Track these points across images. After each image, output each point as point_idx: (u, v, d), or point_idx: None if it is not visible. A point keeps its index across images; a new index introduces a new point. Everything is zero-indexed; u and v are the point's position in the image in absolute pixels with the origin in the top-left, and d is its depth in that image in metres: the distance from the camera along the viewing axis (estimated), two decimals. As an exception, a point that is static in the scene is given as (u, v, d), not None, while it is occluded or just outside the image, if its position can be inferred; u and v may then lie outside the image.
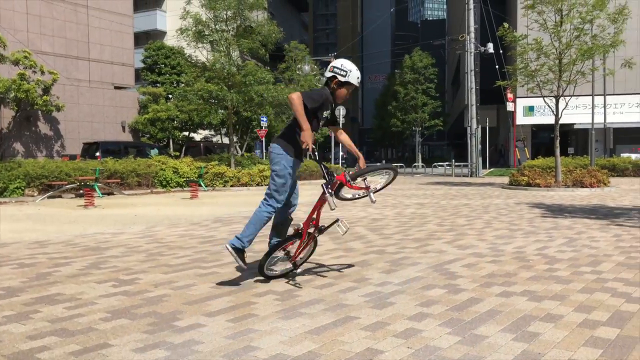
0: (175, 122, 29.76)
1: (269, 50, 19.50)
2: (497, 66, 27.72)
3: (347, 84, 4.37)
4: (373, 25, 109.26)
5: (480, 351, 2.85)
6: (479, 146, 28.12)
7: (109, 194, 14.91)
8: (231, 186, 17.42)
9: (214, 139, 35.93)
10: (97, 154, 19.86)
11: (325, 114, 4.43)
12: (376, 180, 4.67)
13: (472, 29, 28.33)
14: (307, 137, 4.08)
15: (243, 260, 4.18)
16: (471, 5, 28.14)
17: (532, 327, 3.25)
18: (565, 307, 3.67)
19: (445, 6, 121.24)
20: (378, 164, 4.79)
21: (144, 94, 30.45)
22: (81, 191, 13.70)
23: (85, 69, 26.82)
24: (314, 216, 4.55)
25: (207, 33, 18.29)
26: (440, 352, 2.85)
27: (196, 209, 11.12)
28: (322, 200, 4.48)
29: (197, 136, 35.17)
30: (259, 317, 3.47)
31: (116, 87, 28.44)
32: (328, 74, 4.41)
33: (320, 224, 4.62)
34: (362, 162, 4.55)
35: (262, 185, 17.91)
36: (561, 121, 16.40)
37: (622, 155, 27.09)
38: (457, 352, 2.85)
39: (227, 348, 2.91)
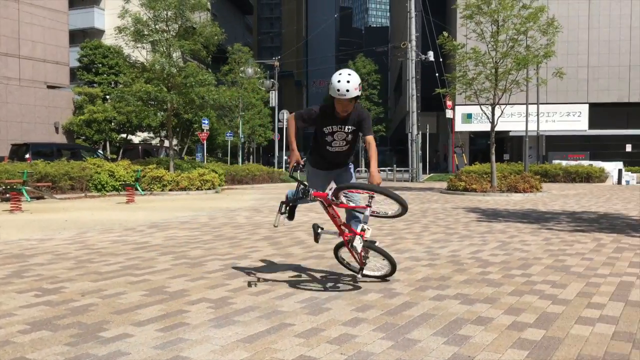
0: (112, 123, 28.86)
1: (211, 52, 19.20)
2: (437, 74, 28.44)
3: (332, 97, 4.22)
4: (317, 29, 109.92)
5: (412, 355, 2.86)
6: (420, 152, 28.73)
7: (39, 198, 14.23)
8: (170, 190, 17.01)
9: (153, 142, 35.07)
10: (27, 155, 18.93)
11: (347, 128, 4.33)
12: (384, 207, 4.42)
13: (413, 37, 28.98)
14: (291, 156, 4.37)
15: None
16: (413, 14, 28.78)
17: (463, 330, 3.30)
18: (495, 309, 3.75)
19: (388, 14, 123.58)
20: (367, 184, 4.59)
21: (79, 94, 29.37)
22: (7, 195, 13.01)
23: (15, 67, 25.59)
24: (339, 222, 4.39)
25: (146, 33, 17.82)
26: (373, 357, 2.84)
27: (132, 213, 10.78)
28: (331, 209, 4.36)
29: (136, 138, 34.22)
30: (191, 326, 3.36)
31: (49, 87, 27.28)
32: (360, 93, 4.32)
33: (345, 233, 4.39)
34: (372, 179, 4.20)
35: (201, 190, 17.59)
36: (497, 128, 16.97)
37: (553, 161, 28.33)
38: (390, 356, 2.85)
39: (155, 358, 2.80)
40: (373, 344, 3.04)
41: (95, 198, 15.27)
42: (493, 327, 3.35)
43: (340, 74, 4.14)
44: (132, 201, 13.43)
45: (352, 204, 4.37)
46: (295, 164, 4.35)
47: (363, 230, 4.18)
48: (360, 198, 4.40)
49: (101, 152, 21.18)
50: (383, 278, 4.58)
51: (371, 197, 4.18)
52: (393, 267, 4.46)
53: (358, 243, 4.13)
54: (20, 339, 3.09)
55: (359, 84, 4.15)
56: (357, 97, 4.20)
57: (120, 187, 16.33)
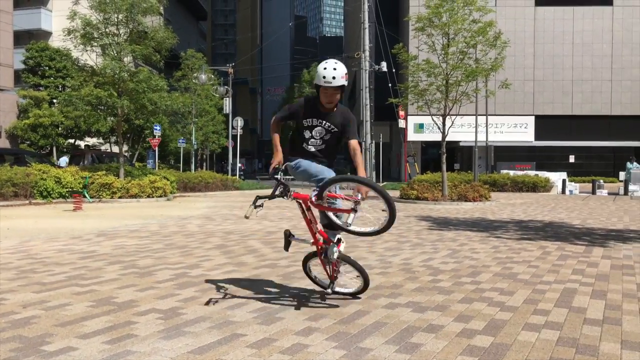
0: (59, 128, 27.93)
1: (163, 57, 18.88)
2: (390, 84, 28.89)
3: (317, 86, 4.02)
4: (272, 37, 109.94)
5: (365, 364, 2.87)
6: (373, 161, 29.05)
7: (-21, 205, 13.59)
8: (119, 198, 16.56)
9: (103, 148, 34.13)
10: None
11: (328, 125, 4.08)
12: (367, 219, 4.16)
13: (367, 47, 29.36)
14: (274, 156, 4.12)
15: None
16: (366, 25, 29.17)
17: (415, 338, 3.34)
18: (446, 317, 3.81)
19: (342, 24, 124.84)
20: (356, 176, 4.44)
21: (24, 97, 28.31)
22: (-55, 202, 12.38)
23: (-44, 68, 24.45)
24: (315, 230, 4.18)
25: (96, 36, 17.36)
26: (325, 367, 2.83)
27: (79, 221, 10.43)
28: (309, 213, 4.14)
29: (84, 144, 33.22)
30: (139, 338, 3.27)
31: (-8, 89, 26.17)
32: (346, 83, 4.07)
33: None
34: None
35: (152, 197, 17.21)
36: (448, 139, 17.35)
37: (502, 171, 29.16)
38: (342, 366, 2.84)
39: (100, 373, 2.70)
40: (325, 354, 3.03)
41: (40, 205, 14.71)
42: (444, 335, 3.40)
43: (326, 62, 4.01)
44: (79, 209, 13.00)
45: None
46: (277, 165, 4.08)
47: (340, 241, 4.07)
48: (342, 205, 4.02)
49: (66, 158, 20.30)
50: (354, 295, 4.33)
51: (356, 203, 3.90)
52: (366, 284, 4.23)
53: (334, 253, 4.00)
54: (-45, 355, 2.93)
55: (346, 74, 3.98)
56: (342, 88, 3.99)
57: (67, 194, 15.79)
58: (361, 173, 3.99)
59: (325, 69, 3.93)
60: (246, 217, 3.94)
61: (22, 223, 9.97)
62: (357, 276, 4.26)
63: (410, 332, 3.44)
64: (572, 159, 37.51)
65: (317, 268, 4.45)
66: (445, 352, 3.08)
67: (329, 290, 4.16)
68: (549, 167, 32.82)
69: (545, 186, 24.96)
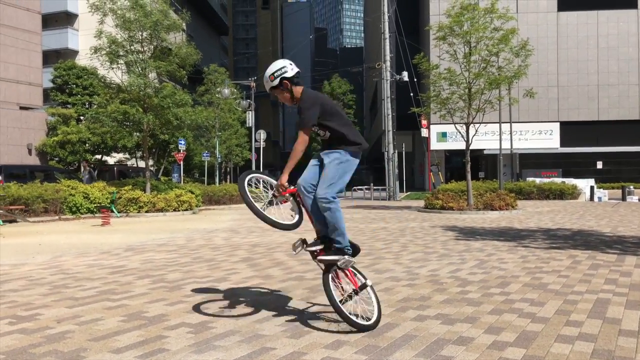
0: (87, 144, 28.48)
1: (187, 73, 19.18)
2: (411, 94, 28.83)
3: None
4: (293, 50, 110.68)
5: (396, 378, 2.86)
6: (396, 170, 28.95)
7: (11, 221, 13.92)
8: (146, 212, 16.79)
9: (129, 163, 34.67)
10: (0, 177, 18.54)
11: None
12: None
13: (388, 57, 29.35)
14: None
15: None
16: (387, 35, 29.20)
17: (445, 350, 3.31)
18: (476, 329, 3.77)
19: (362, 34, 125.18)
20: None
21: (53, 115, 28.96)
22: (-21, 219, 12.71)
23: (-13, 88, 25.16)
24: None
25: (122, 54, 17.74)
26: (356, 381, 2.83)
27: (107, 236, 10.60)
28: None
29: (111, 159, 33.80)
30: (171, 352, 3.31)
31: (22, 108, 26.84)
32: (275, 83, 3.94)
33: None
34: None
35: (178, 211, 17.41)
36: (472, 147, 17.23)
37: (527, 179, 28.81)
38: (373, 380, 2.84)
39: (134, 388, 2.74)
40: (356, 367, 3.03)
41: (69, 221, 14.99)
42: (474, 347, 3.37)
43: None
44: (107, 224, 13.22)
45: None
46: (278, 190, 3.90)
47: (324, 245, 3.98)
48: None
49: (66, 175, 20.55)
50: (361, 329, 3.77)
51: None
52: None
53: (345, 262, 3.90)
54: (-6, 370, 3.00)
55: (270, 74, 3.92)
56: (276, 88, 3.95)
57: (95, 210, 16.07)
58: (287, 164, 3.86)
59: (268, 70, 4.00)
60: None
61: (53, 238, 10.17)
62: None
63: (440, 345, 3.42)
64: (599, 165, 36.83)
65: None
66: (476, 365, 3.05)
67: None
68: (575, 173, 32.28)
69: (573, 193, 24.56)
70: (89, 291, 5.18)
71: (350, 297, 3.92)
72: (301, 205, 4.01)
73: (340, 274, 4.01)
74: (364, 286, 3.98)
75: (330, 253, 3.90)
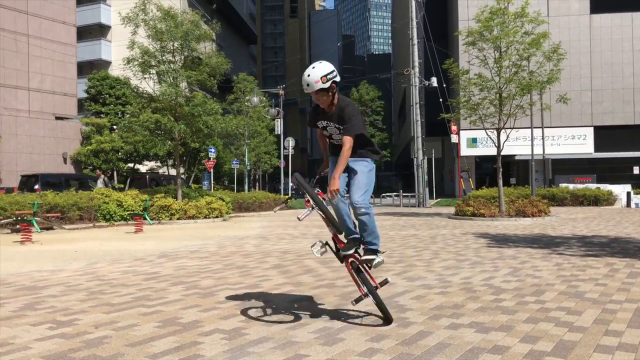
0: (119, 153, 29.09)
1: (217, 82, 19.44)
2: (441, 99, 28.64)
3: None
4: (320, 58, 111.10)
5: (431, 387, 2.84)
6: (426, 177, 28.74)
7: (48, 228, 14.29)
8: (178, 219, 17.04)
9: (160, 171, 35.25)
10: (36, 186, 19.07)
11: (335, 125, 4.16)
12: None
13: (416, 63, 29.24)
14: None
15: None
16: (415, 41, 29.10)
17: (480, 359, 3.27)
18: (511, 338, 3.72)
19: (390, 41, 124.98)
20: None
21: (87, 124, 29.69)
22: (18, 226, 13.07)
23: (25, 99, 25.95)
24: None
25: (154, 64, 18.10)
26: (391, 389, 2.81)
27: (141, 243, 10.79)
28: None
29: (143, 168, 34.43)
30: (206, 358, 3.35)
31: (57, 118, 27.61)
32: (327, 85, 3.97)
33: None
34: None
35: (209, 218, 17.61)
36: (503, 153, 16.99)
37: (560, 185, 28.26)
38: (408, 388, 2.82)
39: (171, 393, 2.78)
40: (390, 375, 3.01)
41: (103, 228, 15.31)
42: (510, 356, 3.32)
43: (307, 69, 4.01)
44: (140, 231, 13.45)
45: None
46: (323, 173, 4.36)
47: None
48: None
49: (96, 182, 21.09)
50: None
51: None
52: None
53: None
54: (36, 374, 3.08)
55: (322, 76, 3.91)
56: (327, 90, 3.97)
57: (128, 217, 16.37)
58: (337, 169, 4.01)
59: (303, 76, 3.98)
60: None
61: (88, 245, 10.40)
62: None
63: (475, 354, 3.38)
64: (636, 170, 35.85)
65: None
66: (513, 374, 3.01)
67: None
68: (611, 179, 31.52)
69: (608, 199, 23.99)
70: (124, 297, 5.28)
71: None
72: (318, 211, 4.16)
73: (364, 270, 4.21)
74: (384, 282, 4.24)
75: (368, 253, 4.21)
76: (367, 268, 4.21)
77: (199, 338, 3.80)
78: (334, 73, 3.98)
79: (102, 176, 20.99)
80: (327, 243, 4.19)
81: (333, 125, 4.17)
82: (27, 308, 4.83)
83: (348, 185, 4.19)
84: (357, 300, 4.22)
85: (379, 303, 4.10)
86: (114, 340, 3.76)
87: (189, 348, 3.56)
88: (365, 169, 4.16)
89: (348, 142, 3.99)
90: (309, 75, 3.94)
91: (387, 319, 4.11)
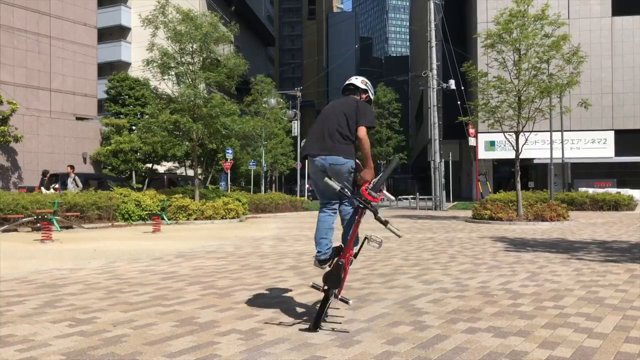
0: (138, 153, 29.35)
1: (235, 83, 19.54)
2: (459, 102, 28.46)
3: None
4: (338, 60, 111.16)
5: (448, 391, 2.82)
6: (443, 180, 28.57)
7: (67, 227, 14.47)
8: (195, 219, 17.15)
9: (178, 171, 35.51)
10: (57, 186, 19.32)
11: None
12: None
13: (434, 65, 29.11)
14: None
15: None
16: (433, 43, 28.97)
17: (498, 364, 3.24)
18: (529, 343, 3.68)
19: (408, 43, 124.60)
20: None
21: (106, 125, 30.01)
22: (38, 225, 13.26)
23: (46, 99, 26.32)
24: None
25: (172, 65, 18.25)
26: (407, 392, 2.80)
27: (158, 243, 10.88)
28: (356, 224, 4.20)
29: (161, 168, 34.71)
30: (222, 358, 3.36)
31: (78, 118, 27.95)
32: (362, 86, 4.54)
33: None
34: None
35: (226, 219, 17.70)
36: (521, 156, 16.84)
37: (580, 189, 27.91)
38: (425, 392, 2.80)
39: (188, 392, 2.80)
40: (407, 378, 3.00)
41: (122, 227, 15.46)
42: (528, 362, 3.28)
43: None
44: (158, 230, 13.57)
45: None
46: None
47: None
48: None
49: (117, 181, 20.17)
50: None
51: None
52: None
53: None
54: (56, 370, 3.13)
55: (363, 80, 4.57)
56: (360, 92, 4.52)
57: (146, 217, 16.52)
58: (365, 166, 4.18)
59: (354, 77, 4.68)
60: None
61: (106, 244, 10.52)
62: None
63: (492, 358, 3.35)
64: (658, 175, 35.29)
65: None
66: (531, 380, 2.98)
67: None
68: (632, 184, 31.06)
69: (629, 204, 23.63)
70: (142, 296, 5.32)
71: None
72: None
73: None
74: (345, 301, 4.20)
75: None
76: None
77: (216, 338, 3.82)
78: (372, 91, 4.64)
79: (72, 175, 18.38)
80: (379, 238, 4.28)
81: None
82: (47, 306, 4.90)
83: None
84: (315, 286, 4.17)
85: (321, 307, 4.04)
86: (132, 339, 3.79)
87: (206, 348, 3.58)
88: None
89: (363, 132, 4.22)
90: (356, 78, 4.61)
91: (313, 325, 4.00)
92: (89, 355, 3.41)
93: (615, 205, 23.57)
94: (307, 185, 39.77)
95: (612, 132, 35.91)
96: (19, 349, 3.54)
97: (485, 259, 8.04)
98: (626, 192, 25.06)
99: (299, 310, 4.71)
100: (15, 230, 13.79)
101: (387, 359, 3.35)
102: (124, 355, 3.41)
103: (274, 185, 44.90)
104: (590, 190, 26.11)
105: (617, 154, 35.71)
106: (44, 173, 20.72)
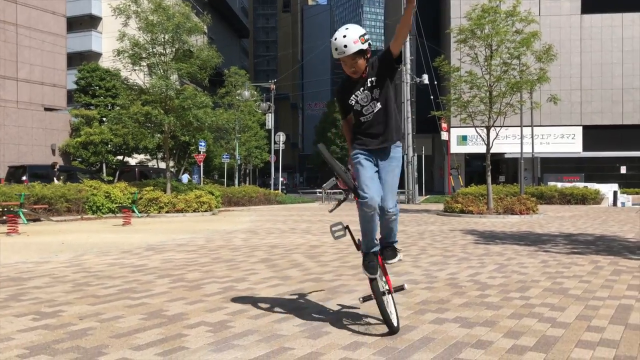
0: (109, 145, 28.90)
1: (208, 75, 19.35)
2: (432, 97, 28.72)
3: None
4: (312, 53, 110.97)
5: (413, 380, 2.85)
6: (416, 173, 28.83)
7: (35, 220, 14.18)
8: (166, 212, 16.98)
9: (150, 164, 35.07)
10: (24, 178, 18.91)
11: (368, 82, 3.63)
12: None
13: (408, 60, 29.28)
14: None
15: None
16: (407, 38, 29.13)
17: (464, 354, 3.29)
18: (495, 333, 3.75)
19: (383, 37, 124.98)
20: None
21: (76, 116, 29.46)
22: (4, 217, 12.97)
23: (13, 89, 25.69)
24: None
25: (144, 56, 17.98)
26: (374, 382, 2.83)
27: (128, 236, 10.74)
28: None
29: (132, 160, 34.23)
30: (190, 350, 3.34)
31: (46, 109, 27.37)
32: (365, 46, 3.52)
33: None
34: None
35: (198, 212, 17.56)
36: (492, 150, 17.09)
37: (549, 183, 28.47)
38: (391, 381, 2.84)
39: (154, 384, 2.78)
40: (374, 368, 3.03)
41: (91, 220, 15.22)
42: (493, 351, 3.34)
43: (338, 31, 3.51)
44: (128, 223, 13.39)
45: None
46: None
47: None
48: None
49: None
50: None
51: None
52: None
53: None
54: (19, 364, 3.07)
55: (361, 36, 3.47)
56: (364, 52, 3.52)
57: (116, 209, 16.29)
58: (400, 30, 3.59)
59: (335, 39, 3.47)
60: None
61: (75, 237, 10.34)
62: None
63: (458, 348, 3.40)
64: (623, 170, 36.24)
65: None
66: (495, 368, 3.03)
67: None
68: (598, 178, 31.82)
69: (595, 198, 24.22)
70: (110, 289, 5.25)
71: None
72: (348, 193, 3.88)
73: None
74: (400, 288, 3.91)
75: (391, 255, 3.81)
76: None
77: (184, 330, 3.79)
78: (368, 35, 3.55)
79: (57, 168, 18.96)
80: (347, 227, 3.90)
81: (367, 86, 3.62)
82: (11, 299, 4.79)
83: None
84: (365, 299, 3.99)
85: (383, 310, 3.66)
86: (98, 332, 3.74)
87: (174, 340, 3.55)
88: (398, 166, 3.72)
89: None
90: (344, 37, 3.44)
91: (390, 328, 3.68)
92: (53, 348, 3.36)
93: (583, 199, 24.13)
94: (281, 179, 39.70)
95: (581, 127, 36.74)
96: (-20, 343, 3.46)
97: (455, 252, 8.15)
98: (593, 186, 25.66)
99: (269, 302, 4.71)
100: (-20, 223, 13.45)
101: (355, 349, 3.37)
102: (90, 349, 3.36)
103: (247, 179, 44.71)
104: (559, 185, 26.67)
105: (585, 149, 36.57)
106: (53, 165, 21.42)
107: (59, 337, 3.60)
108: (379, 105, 3.63)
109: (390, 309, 3.75)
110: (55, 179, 19.44)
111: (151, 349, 3.35)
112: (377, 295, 3.63)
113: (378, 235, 3.79)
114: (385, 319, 3.67)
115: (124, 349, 3.35)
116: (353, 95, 3.67)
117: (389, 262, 3.81)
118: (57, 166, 21.20)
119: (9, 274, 6.16)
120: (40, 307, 4.49)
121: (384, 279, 3.85)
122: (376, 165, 3.67)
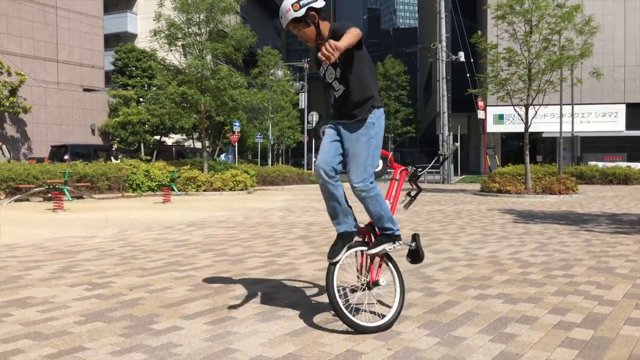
0: (146, 125, 29.41)
1: (242, 55, 19.41)
2: (468, 74, 28.18)
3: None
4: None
5: (460, 352, 2.88)
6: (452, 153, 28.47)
7: (78, 197, 14.60)
8: (204, 191, 17.25)
9: (186, 144, 35.58)
10: (66, 157, 19.46)
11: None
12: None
13: (443, 37, 28.75)
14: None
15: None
16: (442, 15, 28.56)
17: (509, 328, 3.29)
18: (540, 309, 3.73)
19: (416, 15, 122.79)
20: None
21: (114, 96, 30.02)
22: (49, 194, 13.39)
23: (54, 71, 26.31)
24: None
25: (180, 36, 18.13)
26: (420, 353, 2.86)
27: (169, 212, 10.98)
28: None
29: (169, 140, 34.78)
30: (238, 320, 3.43)
31: (85, 90, 27.97)
32: (301, 13, 3.07)
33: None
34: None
35: (234, 190, 17.79)
36: (530, 129, 16.73)
37: (589, 163, 27.76)
38: (437, 353, 2.86)
39: (206, 350, 2.88)
40: (419, 341, 3.06)
41: (131, 198, 15.59)
42: (539, 326, 3.33)
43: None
44: (168, 201, 13.67)
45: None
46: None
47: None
48: None
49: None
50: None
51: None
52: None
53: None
54: (77, 330, 3.21)
55: (294, 3, 3.06)
56: (302, 19, 3.10)
57: (156, 188, 16.63)
58: (343, 40, 2.89)
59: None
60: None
61: (117, 214, 10.63)
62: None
63: (503, 323, 3.40)
64: (668, 149, 35.03)
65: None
66: (542, 343, 3.03)
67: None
68: (642, 158, 30.83)
69: (639, 178, 23.51)
70: (156, 262, 5.41)
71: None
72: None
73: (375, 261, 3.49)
74: (376, 284, 3.46)
75: (376, 243, 3.38)
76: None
77: (231, 301, 3.89)
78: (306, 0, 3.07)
79: (1, 144, 18.45)
80: (409, 193, 3.80)
81: (329, 67, 3.27)
82: (64, 270, 4.99)
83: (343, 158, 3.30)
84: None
85: (335, 302, 3.15)
86: (149, 302, 3.87)
87: (221, 310, 3.65)
88: (363, 137, 3.22)
89: (354, 29, 3.01)
90: (281, 6, 3.13)
91: (353, 327, 3.20)
92: (108, 316, 3.50)
93: (625, 179, 23.47)
94: (314, 159, 39.78)
95: (624, 105, 35.53)
96: (39, 310, 3.63)
97: (494, 230, 8.08)
98: (636, 166, 24.92)
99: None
100: (27, 200, 13.93)
101: (399, 322, 3.41)
102: (142, 317, 3.48)
103: (280, 159, 44.95)
104: (600, 164, 25.98)
105: (628, 127, 35.40)
106: (111, 145, 23.45)
107: (111, 306, 3.74)
108: (342, 87, 3.28)
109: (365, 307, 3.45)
110: (112, 158, 20.67)
111: (200, 318, 3.46)
112: (327, 284, 3.16)
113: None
114: (340, 315, 3.15)
115: (175, 318, 3.47)
116: (322, 68, 3.33)
117: (369, 251, 3.36)
118: (115, 146, 22.41)
119: (59, 247, 6.40)
120: (92, 278, 4.67)
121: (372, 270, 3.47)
122: (339, 134, 3.31)
